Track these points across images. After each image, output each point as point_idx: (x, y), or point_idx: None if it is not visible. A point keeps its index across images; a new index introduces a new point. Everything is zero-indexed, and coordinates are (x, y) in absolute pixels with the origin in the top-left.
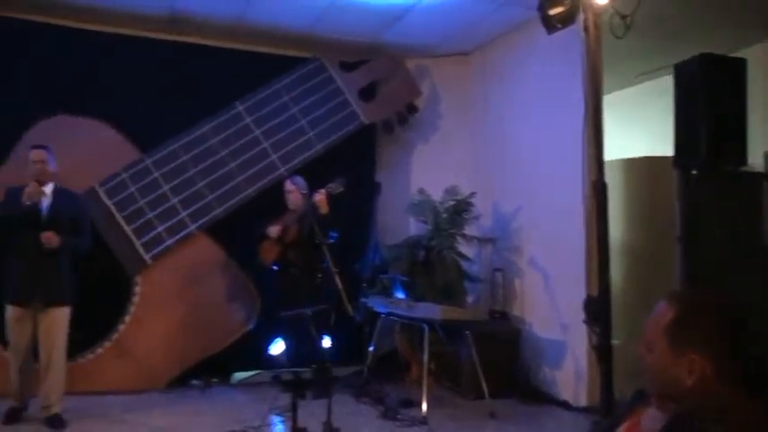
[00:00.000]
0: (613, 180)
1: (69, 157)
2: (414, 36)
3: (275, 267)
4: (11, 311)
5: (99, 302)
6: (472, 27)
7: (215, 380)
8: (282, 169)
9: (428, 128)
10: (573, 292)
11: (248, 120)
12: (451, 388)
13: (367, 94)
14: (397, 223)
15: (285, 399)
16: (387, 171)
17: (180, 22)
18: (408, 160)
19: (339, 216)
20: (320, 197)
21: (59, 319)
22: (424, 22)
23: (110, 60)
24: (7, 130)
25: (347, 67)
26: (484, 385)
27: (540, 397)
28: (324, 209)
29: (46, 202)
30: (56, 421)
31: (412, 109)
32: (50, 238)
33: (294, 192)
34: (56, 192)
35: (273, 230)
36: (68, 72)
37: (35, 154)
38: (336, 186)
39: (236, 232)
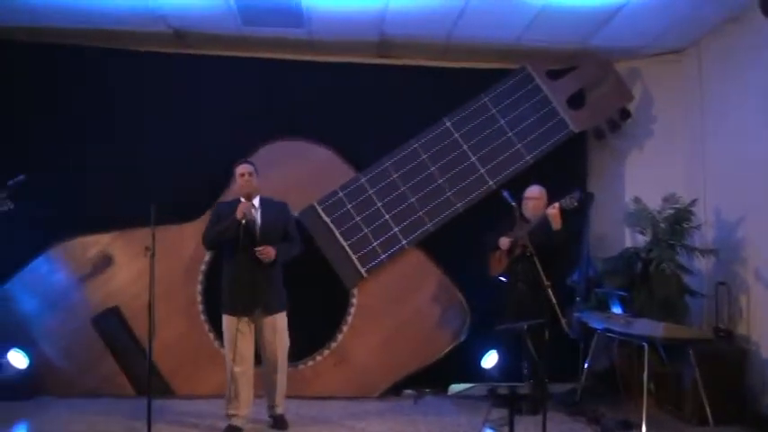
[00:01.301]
0: None
1: (290, 177)
2: (623, 37)
3: (503, 279)
4: (231, 322)
5: (318, 313)
6: (684, 22)
7: (428, 390)
8: (491, 183)
9: (642, 133)
10: None
11: (456, 135)
12: (672, 411)
13: (576, 101)
14: (612, 235)
15: (498, 412)
16: (599, 180)
17: (388, 46)
18: (621, 168)
19: (571, 232)
20: (553, 211)
21: (279, 324)
22: (634, 22)
23: (325, 86)
24: (233, 154)
25: (554, 74)
26: (708, 410)
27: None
28: (556, 224)
29: (257, 216)
30: (280, 421)
31: (624, 114)
32: (268, 253)
33: (534, 200)
34: (263, 203)
35: (503, 242)
36: (288, 99)
37: (242, 168)
38: (570, 201)
39: (448, 246)
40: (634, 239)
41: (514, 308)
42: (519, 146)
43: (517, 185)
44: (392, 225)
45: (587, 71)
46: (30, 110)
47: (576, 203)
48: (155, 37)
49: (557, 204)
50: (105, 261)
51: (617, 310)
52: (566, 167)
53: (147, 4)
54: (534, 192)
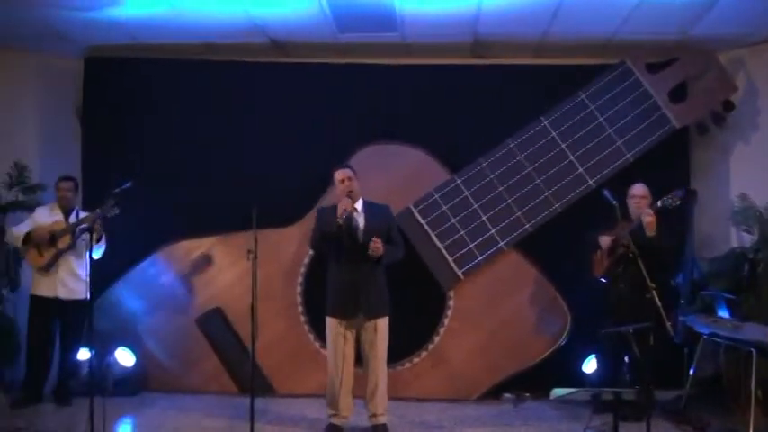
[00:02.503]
0: None
1: (386, 180)
2: (725, 26)
3: (603, 281)
4: (334, 325)
5: (416, 314)
6: None
7: (528, 394)
8: (590, 182)
9: (747, 126)
10: None
11: (554, 133)
12: None
13: (677, 95)
14: (717, 234)
15: (599, 419)
16: (703, 177)
17: (482, 46)
18: (726, 163)
19: (675, 234)
20: (649, 219)
21: (381, 329)
22: (736, 10)
23: (419, 89)
24: (330, 159)
25: (654, 68)
26: None
27: None
28: (650, 231)
29: (360, 220)
30: (381, 431)
31: (728, 107)
32: (377, 248)
33: (644, 198)
34: (366, 207)
35: (604, 241)
36: (383, 103)
37: (340, 173)
38: (672, 200)
39: (547, 247)
40: (740, 239)
41: (615, 310)
42: (619, 143)
43: (618, 184)
44: (489, 226)
45: (689, 63)
46: (133, 121)
47: (678, 202)
48: (252, 48)
49: (650, 210)
50: (205, 260)
51: (723, 313)
52: (668, 164)
53: (248, 16)
54: (639, 190)
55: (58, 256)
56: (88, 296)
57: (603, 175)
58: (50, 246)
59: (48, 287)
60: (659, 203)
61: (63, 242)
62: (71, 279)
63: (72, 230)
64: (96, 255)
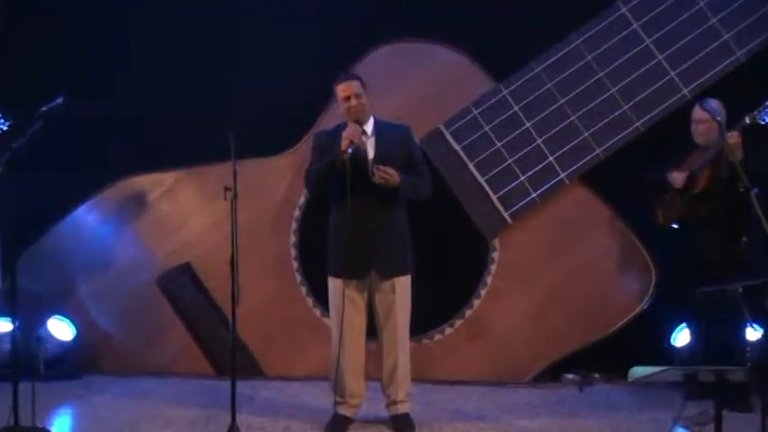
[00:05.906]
0: None
1: (407, 91)
2: None
3: (678, 227)
4: (339, 287)
5: (448, 271)
6: None
7: (597, 375)
8: (685, 91)
9: None
10: None
11: (635, 25)
12: None
13: None
14: None
15: (694, 407)
16: None
17: None
18: None
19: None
20: (734, 140)
21: (401, 291)
22: None
23: None
24: (330, 64)
25: None
26: None
27: None
28: (737, 154)
29: (370, 147)
30: (403, 423)
31: None
32: (387, 175)
33: (706, 122)
34: (378, 128)
35: (677, 178)
36: None
37: (345, 87)
38: (761, 114)
39: (624, 181)
40: None
41: (701, 265)
42: (726, 37)
43: (720, 93)
44: (546, 153)
45: None
46: (66, 15)
47: None
48: None
49: (735, 132)
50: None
51: None
52: None
53: None
54: (696, 112)
55: None
56: None
57: (704, 81)
58: None
59: None
60: (747, 119)
61: None
62: None
63: None
64: None
